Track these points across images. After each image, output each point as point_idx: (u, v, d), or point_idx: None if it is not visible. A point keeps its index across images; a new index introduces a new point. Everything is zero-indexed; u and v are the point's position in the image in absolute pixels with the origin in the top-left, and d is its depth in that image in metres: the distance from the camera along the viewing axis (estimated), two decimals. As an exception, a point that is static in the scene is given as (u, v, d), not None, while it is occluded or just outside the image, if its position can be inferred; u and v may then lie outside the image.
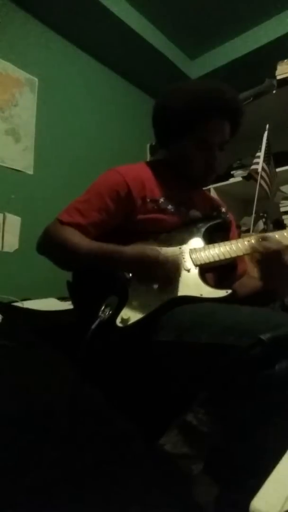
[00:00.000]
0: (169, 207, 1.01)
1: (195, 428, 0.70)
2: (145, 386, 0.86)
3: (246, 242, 0.92)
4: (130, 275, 0.90)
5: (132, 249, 0.87)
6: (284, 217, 2.19)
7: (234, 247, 0.92)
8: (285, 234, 0.91)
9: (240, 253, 0.91)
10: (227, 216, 1.16)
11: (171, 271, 0.87)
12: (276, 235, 0.91)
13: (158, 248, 0.90)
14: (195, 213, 1.06)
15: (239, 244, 0.92)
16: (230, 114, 1.02)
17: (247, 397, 0.68)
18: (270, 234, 0.90)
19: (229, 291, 0.86)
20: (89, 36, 2.41)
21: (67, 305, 1.36)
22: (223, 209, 1.19)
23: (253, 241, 0.90)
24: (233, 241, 0.94)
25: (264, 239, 0.88)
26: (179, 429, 0.71)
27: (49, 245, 0.99)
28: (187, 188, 1.10)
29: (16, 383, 0.74)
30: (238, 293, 1.03)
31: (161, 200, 1.01)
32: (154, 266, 0.84)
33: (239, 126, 1.07)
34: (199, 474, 0.69)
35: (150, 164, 1.11)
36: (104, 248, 0.90)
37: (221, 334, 0.73)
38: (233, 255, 0.91)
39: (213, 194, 2.38)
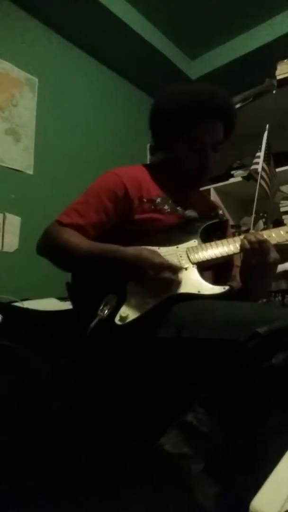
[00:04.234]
0: (166, 207, 1.02)
1: (195, 428, 0.70)
2: (144, 384, 0.86)
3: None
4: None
5: (131, 249, 0.88)
6: (284, 217, 2.19)
7: (231, 246, 0.94)
8: (281, 232, 0.92)
9: (237, 252, 0.93)
10: (224, 217, 1.17)
11: (168, 273, 0.86)
12: (273, 233, 0.92)
13: (157, 249, 0.91)
14: (191, 213, 1.07)
15: (236, 243, 0.94)
16: (222, 115, 1.03)
17: (245, 391, 0.68)
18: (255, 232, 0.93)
19: (226, 287, 0.87)
20: (89, 36, 2.41)
21: (67, 305, 1.36)
22: (220, 211, 1.21)
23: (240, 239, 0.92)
24: (230, 240, 0.95)
25: (246, 236, 0.90)
26: (179, 429, 0.71)
27: (49, 246, 1.00)
28: (184, 189, 1.11)
29: (16, 383, 0.74)
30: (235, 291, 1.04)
31: (158, 200, 1.02)
32: (151, 267, 0.84)
33: (233, 127, 1.08)
34: (199, 474, 0.69)
35: (147, 166, 1.13)
36: (104, 248, 0.91)
37: (219, 329, 0.74)
38: (230, 253, 0.93)
39: (213, 194, 2.38)
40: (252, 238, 0.88)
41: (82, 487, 0.54)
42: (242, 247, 0.90)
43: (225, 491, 0.68)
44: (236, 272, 1.11)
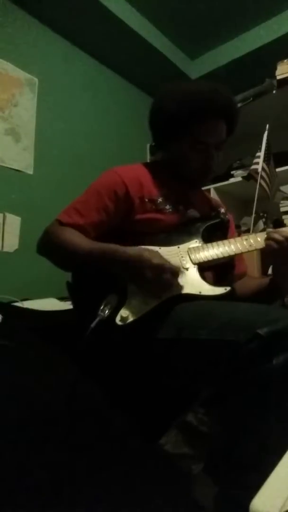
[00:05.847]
0: (167, 207, 1.01)
1: (195, 428, 0.70)
2: (145, 385, 0.86)
3: (244, 242, 0.93)
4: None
5: (132, 249, 0.87)
6: (284, 217, 2.19)
7: (232, 246, 0.93)
8: None
9: (238, 252, 0.93)
10: (226, 216, 1.16)
11: (167, 274, 0.84)
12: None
13: (158, 249, 0.90)
14: (193, 212, 1.07)
15: (238, 243, 0.93)
16: (225, 114, 1.02)
17: (245, 392, 0.68)
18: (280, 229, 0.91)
19: (228, 288, 0.86)
20: (89, 36, 2.41)
21: (67, 305, 1.36)
22: (222, 210, 1.20)
23: (265, 235, 0.91)
24: (231, 240, 0.95)
25: (270, 236, 0.89)
26: (179, 429, 0.71)
27: (49, 246, 0.99)
28: (185, 188, 1.10)
29: (16, 383, 0.74)
30: (238, 293, 1.03)
31: (159, 200, 1.01)
32: (150, 269, 0.83)
33: (235, 125, 1.07)
34: (199, 474, 0.69)
35: (148, 165, 1.12)
36: (104, 248, 0.90)
37: (220, 330, 0.74)
38: (231, 254, 0.93)
39: (213, 194, 2.38)
40: (278, 236, 0.87)
41: (81, 487, 0.54)
42: (269, 247, 0.89)
43: (225, 491, 0.68)
44: (238, 272, 1.11)
